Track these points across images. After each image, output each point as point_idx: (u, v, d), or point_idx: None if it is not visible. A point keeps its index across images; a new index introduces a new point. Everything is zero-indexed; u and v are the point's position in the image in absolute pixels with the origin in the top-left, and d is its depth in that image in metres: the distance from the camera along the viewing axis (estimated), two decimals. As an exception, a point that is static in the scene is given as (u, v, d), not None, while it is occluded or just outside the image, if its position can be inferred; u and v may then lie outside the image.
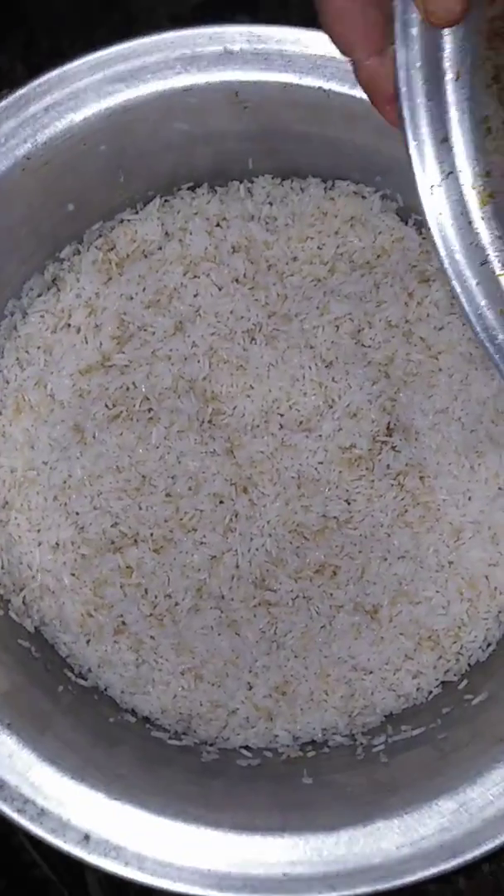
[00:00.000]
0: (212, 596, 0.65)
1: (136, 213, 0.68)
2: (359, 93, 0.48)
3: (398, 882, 0.57)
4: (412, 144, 0.48)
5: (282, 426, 0.65)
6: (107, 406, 0.66)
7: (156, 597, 0.65)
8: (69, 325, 0.67)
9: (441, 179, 0.50)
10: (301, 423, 0.65)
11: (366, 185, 0.67)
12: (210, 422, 0.66)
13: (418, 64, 0.48)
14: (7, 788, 0.58)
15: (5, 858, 0.74)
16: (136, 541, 0.65)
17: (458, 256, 0.49)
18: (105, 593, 0.65)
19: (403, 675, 0.65)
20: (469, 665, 0.66)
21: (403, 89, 0.48)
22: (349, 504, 0.65)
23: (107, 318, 0.67)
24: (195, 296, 0.66)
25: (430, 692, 0.65)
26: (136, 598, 0.65)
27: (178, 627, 0.65)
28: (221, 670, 0.64)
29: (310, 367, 0.65)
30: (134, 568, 0.65)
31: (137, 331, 0.67)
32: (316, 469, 0.65)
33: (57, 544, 0.66)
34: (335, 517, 0.65)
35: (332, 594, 0.65)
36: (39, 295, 0.67)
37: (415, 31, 0.47)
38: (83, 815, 0.58)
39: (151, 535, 0.65)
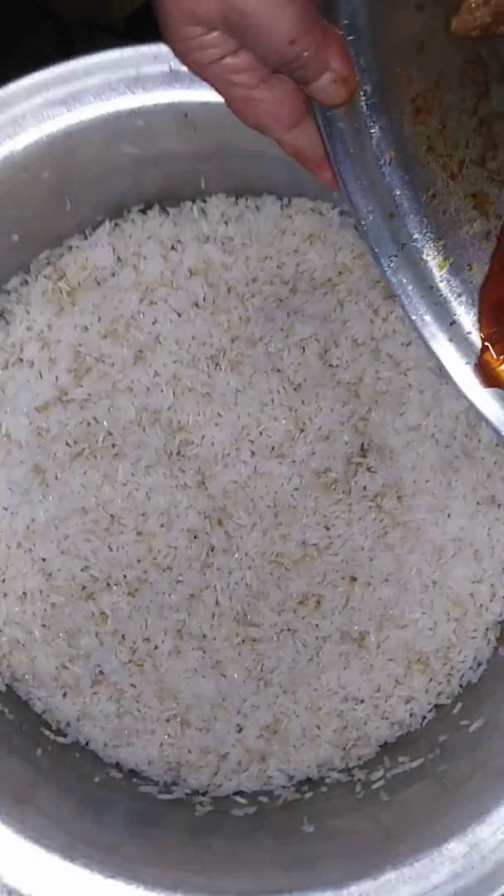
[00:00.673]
0: (193, 636, 0.62)
1: (86, 238, 0.65)
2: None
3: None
4: (362, 229, 0.52)
5: (253, 453, 0.63)
6: (67, 444, 0.62)
7: (134, 642, 0.62)
8: (21, 360, 0.64)
9: (397, 251, 0.53)
10: (273, 448, 0.63)
11: (323, 202, 0.65)
12: (178, 454, 0.63)
13: (352, 151, 0.52)
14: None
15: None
16: (108, 584, 0.62)
17: (427, 317, 0.54)
18: (80, 643, 0.61)
19: (395, 701, 0.63)
20: (461, 686, 0.64)
21: (344, 179, 0.52)
22: (328, 530, 0.63)
23: (61, 351, 0.63)
24: (154, 323, 0.64)
25: (424, 717, 0.64)
26: (112, 645, 0.61)
27: (160, 672, 0.61)
28: (209, 714, 0.62)
29: (278, 392, 0.63)
30: (108, 614, 0.62)
31: (95, 363, 0.63)
32: (292, 495, 0.63)
33: (24, 594, 0.62)
34: (314, 544, 0.63)
35: (317, 625, 0.62)
36: (-14, 330, 0.64)
37: (341, 124, 0.51)
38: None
39: (125, 577, 0.62)
